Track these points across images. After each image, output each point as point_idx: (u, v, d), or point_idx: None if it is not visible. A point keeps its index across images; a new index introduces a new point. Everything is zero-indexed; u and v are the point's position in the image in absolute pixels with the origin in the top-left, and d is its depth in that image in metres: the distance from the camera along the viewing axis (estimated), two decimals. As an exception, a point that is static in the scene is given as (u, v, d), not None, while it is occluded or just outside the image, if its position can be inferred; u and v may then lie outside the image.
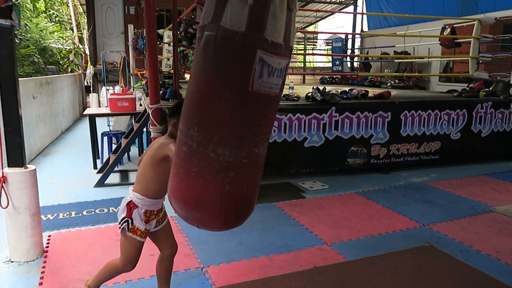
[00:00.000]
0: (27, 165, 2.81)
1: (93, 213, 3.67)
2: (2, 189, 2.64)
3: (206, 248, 2.99)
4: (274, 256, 2.89)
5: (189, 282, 2.53)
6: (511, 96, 5.82)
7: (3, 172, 2.67)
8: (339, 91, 5.34)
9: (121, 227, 2.01)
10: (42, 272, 2.62)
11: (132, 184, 2.11)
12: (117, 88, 8.27)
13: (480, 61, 6.65)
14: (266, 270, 2.69)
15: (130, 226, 1.99)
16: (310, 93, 4.90)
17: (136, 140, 5.57)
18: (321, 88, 4.89)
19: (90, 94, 9.87)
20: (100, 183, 4.49)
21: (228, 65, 1.37)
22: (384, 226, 3.47)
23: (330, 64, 13.48)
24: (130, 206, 2.00)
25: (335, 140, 4.79)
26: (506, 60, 7.68)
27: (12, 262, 2.76)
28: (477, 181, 4.90)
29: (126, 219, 1.99)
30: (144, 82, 7.87)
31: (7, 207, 2.67)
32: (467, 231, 3.37)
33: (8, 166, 2.73)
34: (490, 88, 6.04)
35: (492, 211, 3.83)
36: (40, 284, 2.48)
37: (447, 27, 7.47)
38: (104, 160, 5.26)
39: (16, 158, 2.74)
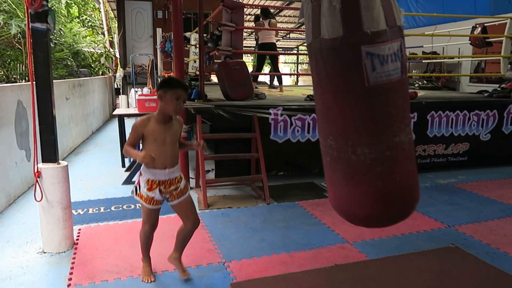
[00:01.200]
0: (60, 161, 2.95)
1: (120, 209, 3.80)
2: (37, 183, 2.79)
3: (228, 244, 3.05)
4: (295, 253, 2.92)
5: (211, 276, 2.60)
6: (545, 96, 5.62)
7: (37, 167, 2.82)
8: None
9: (132, 191, 2.43)
10: (72, 263, 2.74)
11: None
12: (146, 90, 8.47)
13: (513, 61, 6.44)
14: (287, 267, 2.72)
15: (137, 191, 2.37)
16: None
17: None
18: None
19: (119, 96, 10.17)
20: (128, 181, 4.64)
21: (339, 71, 1.40)
22: (408, 226, 3.42)
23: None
24: (139, 175, 2.38)
25: (359, 141, 4.75)
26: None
27: (44, 253, 2.90)
28: (507, 183, 4.75)
29: (136, 185, 2.39)
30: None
31: (41, 200, 2.82)
32: (495, 233, 3.28)
33: (42, 162, 2.88)
34: (523, 88, 5.84)
35: (522, 214, 3.71)
36: (70, 274, 2.60)
37: (478, 26, 7.29)
38: (132, 159, 5.41)
39: (50, 154, 2.89)
